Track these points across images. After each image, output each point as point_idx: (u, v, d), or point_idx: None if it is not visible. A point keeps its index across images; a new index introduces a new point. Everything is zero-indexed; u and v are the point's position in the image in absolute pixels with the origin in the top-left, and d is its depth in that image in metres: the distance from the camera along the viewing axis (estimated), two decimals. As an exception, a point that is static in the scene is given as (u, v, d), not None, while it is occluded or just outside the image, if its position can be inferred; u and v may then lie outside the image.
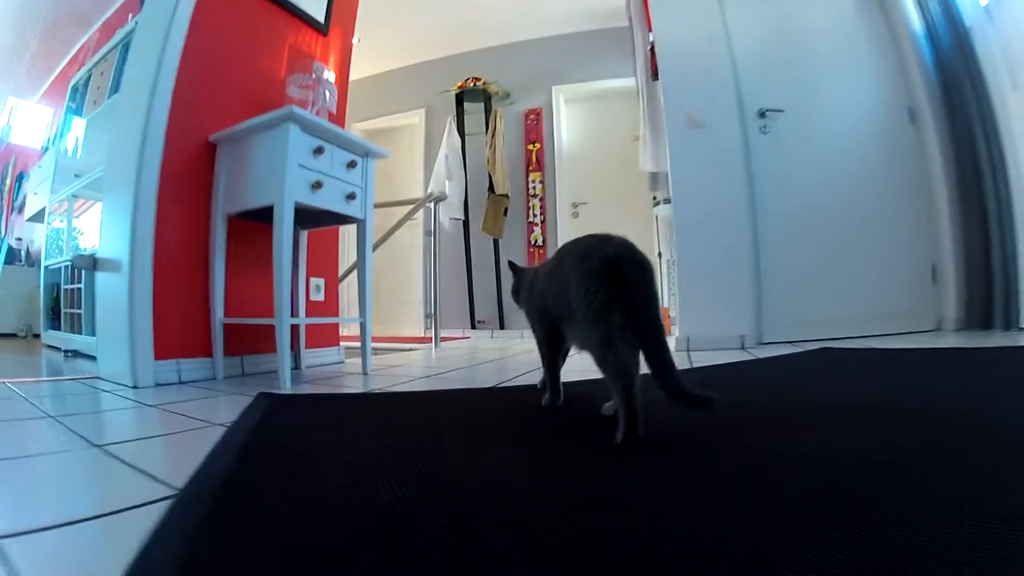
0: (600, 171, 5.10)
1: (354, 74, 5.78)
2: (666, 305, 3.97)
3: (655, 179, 3.66)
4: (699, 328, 2.71)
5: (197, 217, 2.02)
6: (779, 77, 2.95)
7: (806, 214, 2.87)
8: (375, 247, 3.69)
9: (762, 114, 2.90)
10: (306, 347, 2.46)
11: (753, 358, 2.19)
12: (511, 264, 1.47)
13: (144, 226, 1.87)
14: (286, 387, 1.77)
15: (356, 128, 5.98)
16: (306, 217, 2.15)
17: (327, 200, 2.00)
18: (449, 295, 5.02)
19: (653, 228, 4.54)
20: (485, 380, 1.88)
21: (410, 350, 3.47)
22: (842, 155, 2.95)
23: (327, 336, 2.65)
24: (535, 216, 5.16)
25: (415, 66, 5.72)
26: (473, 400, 1.45)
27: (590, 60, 5.03)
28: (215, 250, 2.03)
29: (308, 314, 2.48)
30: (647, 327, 0.89)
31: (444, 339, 4.28)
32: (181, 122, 1.95)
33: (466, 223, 5.03)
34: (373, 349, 3.61)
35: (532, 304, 1.22)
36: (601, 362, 0.94)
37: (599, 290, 0.91)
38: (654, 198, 4.12)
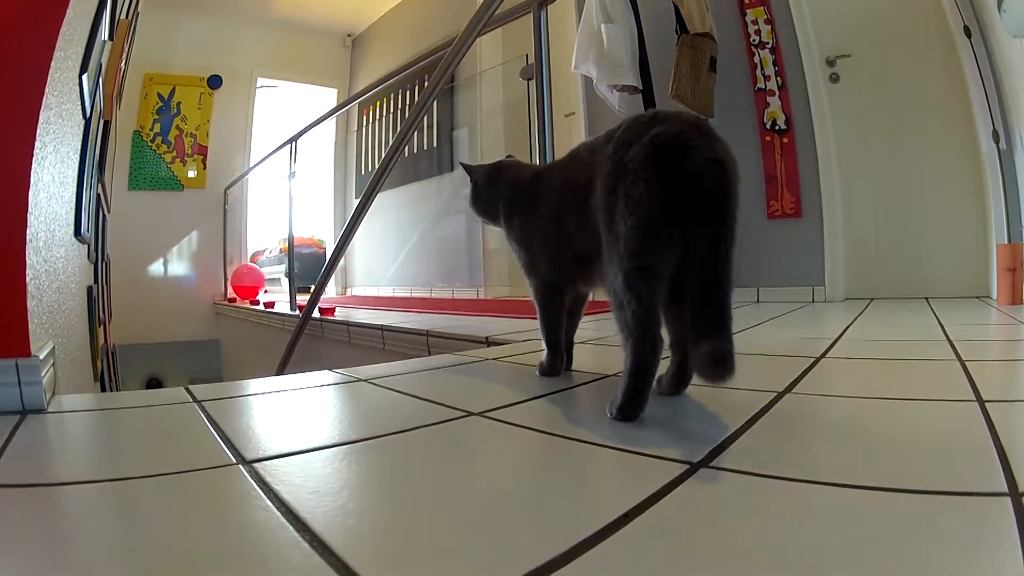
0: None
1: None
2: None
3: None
4: None
5: None
6: None
7: None
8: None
9: None
10: None
11: None
12: (465, 167, 1.04)
13: None
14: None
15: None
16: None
17: None
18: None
19: (972, 83, 2.52)
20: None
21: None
22: None
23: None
24: (765, 79, 2.81)
25: None
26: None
27: None
28: None
29: None
30: (709, 263, 0.58)
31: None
32: None
33: (647, 95, 2.87)
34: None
35: (525, 225, 0.90)
36: (618, 304, 0.65)
37: (643, 195, 0.59)
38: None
